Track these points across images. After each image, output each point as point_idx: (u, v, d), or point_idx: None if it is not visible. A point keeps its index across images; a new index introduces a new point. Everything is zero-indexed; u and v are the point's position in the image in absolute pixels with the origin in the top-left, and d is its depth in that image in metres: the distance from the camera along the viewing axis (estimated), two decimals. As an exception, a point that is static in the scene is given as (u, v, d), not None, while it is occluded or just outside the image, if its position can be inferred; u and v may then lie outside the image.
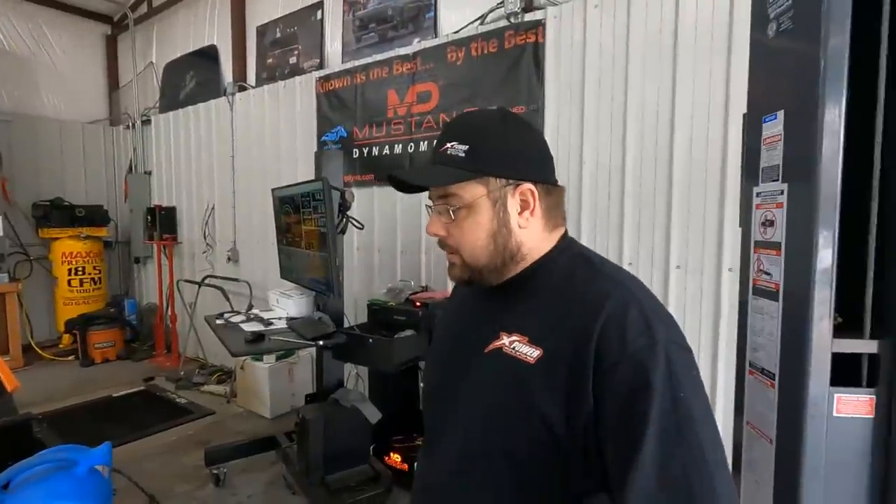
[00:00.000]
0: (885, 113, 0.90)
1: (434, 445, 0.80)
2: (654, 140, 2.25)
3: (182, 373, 4.29)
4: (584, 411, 0.60)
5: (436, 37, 3.06)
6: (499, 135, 0.72)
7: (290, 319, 2.60)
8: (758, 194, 1.05)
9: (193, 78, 4.83)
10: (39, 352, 4.83)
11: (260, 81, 4.22)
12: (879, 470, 0.92)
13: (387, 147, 3.24)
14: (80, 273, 5.04)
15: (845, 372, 0.93)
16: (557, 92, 2.54)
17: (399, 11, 3.27)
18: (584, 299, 0.65)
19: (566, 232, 0.78)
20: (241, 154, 4.27)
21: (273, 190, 2.91)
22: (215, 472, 2.64)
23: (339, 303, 2.54)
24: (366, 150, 3.35)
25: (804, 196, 0.92)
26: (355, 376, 3.36)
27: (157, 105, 5.23)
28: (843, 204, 0.89)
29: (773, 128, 1.00)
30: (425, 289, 2.92)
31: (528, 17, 2.62)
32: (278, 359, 3.61)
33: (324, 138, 3.59)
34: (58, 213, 4.98)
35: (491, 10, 2.79)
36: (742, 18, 1.97)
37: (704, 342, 2.15)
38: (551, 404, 0.62)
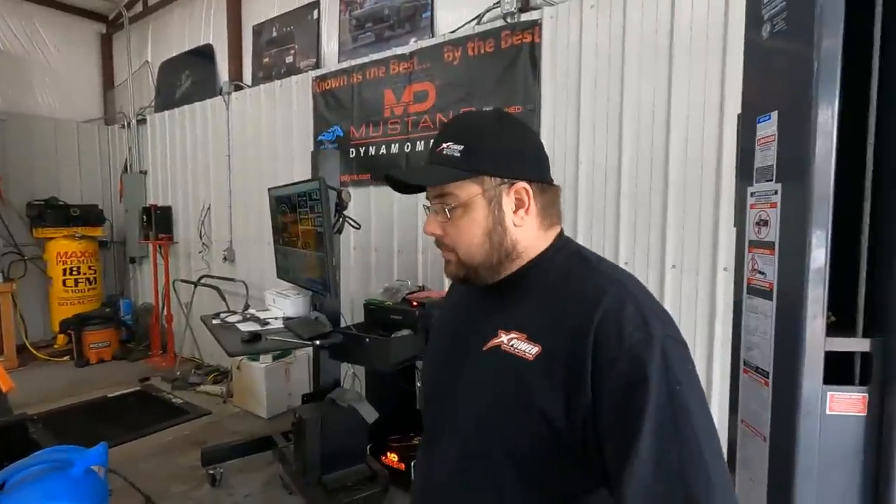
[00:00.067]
0: (877, 114, 0.91)
1: (433, 445, 0.80)
2: (650, 140, 2.26)
3: (178, 373, 4.28)
4: (582, 406, 0.61)
5: (432, 36, 3.06)
6: (494, 135, 0.72)
7: (286, 319, 2.60)
8: (752, 194, 1.06)
9: (189, 77, 4.81)
10: (34, 352, 4.80)
11: (256, 81, 4.21)
12: (872, 467, 0.93)
13: (383, 147, 3.24)
14: (75, 273, 5.02)
15: (838, 370, 0.93)
16: (554, 92, 2.54)
17: (395, 11, 3.27)
18: (581, 296, 0.66)
19: (562, 231, 0.79)
20: (237, 153, 4.26)
21: (269, 189, 2.91)
22: (212, 472, 2.64)
23: (336, 302, 2.54)
24: (362, 150, 3.35)
25: (798, 196, 0.93)
26: (352, 376, 3.36)
27: (153, 104, 5.21)
28: (836, 204, 0.89)
29: (768, 128, 1.01)
30: (422, 288, 2.92)
31: (525, 17, 2.62)
32: (275, 359, 3.61)
33: (320, 138, 3.58)
34: (52, 213, 4.95)
35: (487, 10, 2.79)
36: (737, 19, 1.98)
37: (700, 341, 2.16)
38: (551, 400, 0.63)
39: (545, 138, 2.55)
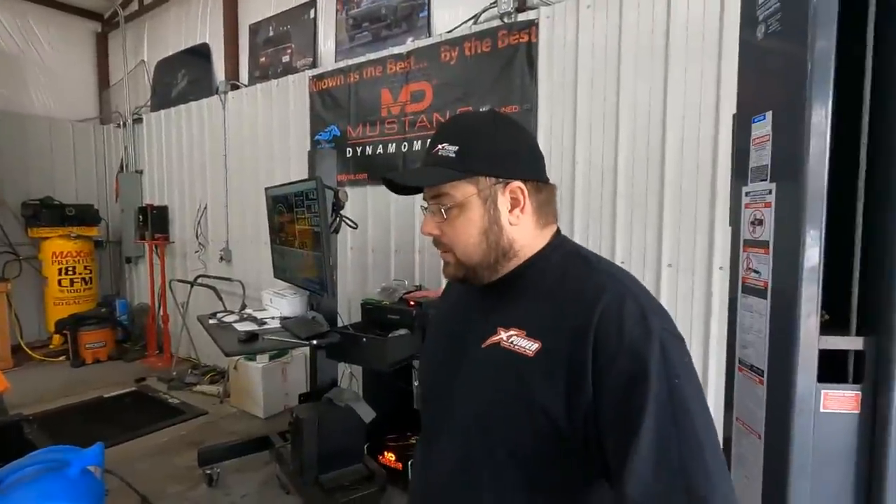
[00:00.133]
0: (870, 113, 0.91)
1: (432, 444, 0.80)
2: (646, 140, 2.27)
3: (174, 373, 4.27)
4: (583, 402, 0.62)
5: (429, 36, 3.07)
6: (488, 135, 0.73)
7: (283, 319, 2.60)
8: (747, 194, 1.07)
9: (185, 76, 4.80)
10: (29, 352, 4.78)
11: (253, 80, 4.20)
12: (865, 464, 0.93)
13: (380, 146, 3.24)
14: (70, 273, 5.00)
15: (832, 368, 0.94)
16: (550, 92, 2.55)
17: (392, 10, 3.27)
18: (580, 294, 0.67)
19: (558, 229, 0.79)
20: (233, 153, 4.25)
21: (266, 189, 2.91)
22: (208, 472, 2.63)
23: (333, 302, 2.54)
24: (359, 150, 3.35)
25: (792, 195, 0.93)
26: (349, 375, 3.36)
27: (149, 103, 5.19)
28: (829, 203, 0.90)
29: (762, 128, 1.02)
30: (419, 288, 2.92)
31: (522, 16, 2.63)
32: (272, 358, 3.60)
33: (317, 137, 3.58)
34: (48, 213, 4.93)
35: (484, 10, 2.80)
36: (732, 20, 1.99)
37: (695, 339, 2.17)
38: (552, 396, 0.63)
39: (542, 138, 2.56)
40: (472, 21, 2.86)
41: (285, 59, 3.95)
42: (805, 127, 0.90)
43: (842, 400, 0.93)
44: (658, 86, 2.23)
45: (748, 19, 1.08)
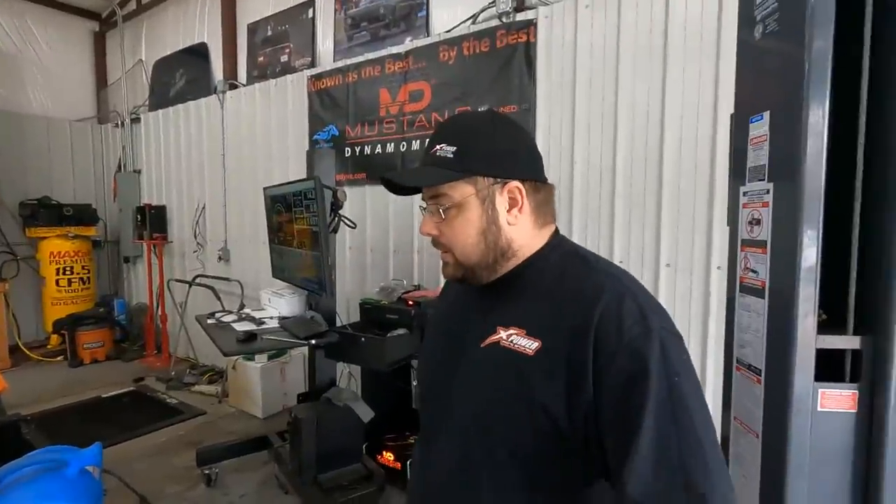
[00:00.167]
0: (867, 113, 0.92)
1: (431, 443, 0.80)
2: (645, 140, 2.27)
3: (173, 373, 4.26)
4: (583, 401, 0.62)
5: (428, 36, 3.07)
6: (486, 135, 0.73)
7: (282, 319, 2.59)
8: (744, 193, 1.07)
9: (183, 76, 4.79)
10: (27, 352, 4.77)
11: (251, 79, 4.19)
12: (861, 462, 0.94)
13: (379, 146, 3.24)
14: (68, 273, 4.99)
15: (829, 368, 0.95)
16: (549, 91, 2.55)
17: (391, 10, 3.27)
18: (580, 294, 0.67)
19: (557, 229, 0.80)
20: (231, 153, 4.24)
21: (265, 189, 2.90)
22: (207, 472, 2.63)
23: (332, 302, 2.54)
24: (358, 149, 3.35)
25: (789, 195, 0.94)
26: (348, 375, 3.36)
27: (147, 103, 5.18)
28: (827, 203, 0.90)
29: (760, 128, 1.02)
30: (418, 287, 2.92)
31: (520, 16, 2.63)
32: (270, 358, 3.60)
33: (316, 137, 3.58)
34: (45, 212, 4.92)
35: (483, 10, 2.80)
36: (730, 20, 2.00)
37: (694, 339, 2.18)
38: (552, 395, 0.64)
39: (540, 138, 2.56)
40: (470, 21, 2.86)
41: (284, 58, 3.94)
42: (802, 127, 0.90)
43: (839, 399, 0.94)
44: (656, 86, 2.23)
45: (746, 19, 1.08)
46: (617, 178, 2.35)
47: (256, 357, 3.53)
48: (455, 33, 2.88)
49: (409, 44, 3.11)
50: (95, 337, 4.75)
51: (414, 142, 3.07)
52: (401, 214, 3.17)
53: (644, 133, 2.27)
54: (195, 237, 4.61)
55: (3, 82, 5.06)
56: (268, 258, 3.08)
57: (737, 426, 1.11)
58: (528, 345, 0.67)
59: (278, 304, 2.68)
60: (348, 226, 2.53)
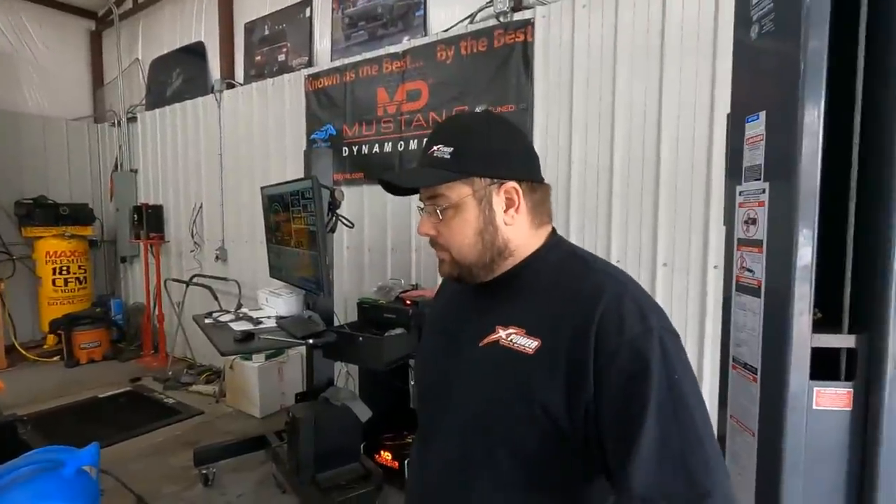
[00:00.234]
0: (862, 112, 0.92)
1: (429, 443, 0.81)
2: (642, 140, 2.28)
3: (170, 373, 4.25)
4: (584, 400, 0.62)
5: (425, 35, 3.07)
6: (483, 136, 0.74)
7: (279, 318, 2.59)
8: (741, 193, 1.07)
9: (180, 75, 4.78)
10: (23, 352, 4.75)
11: (248, 79, 4.19)
12: (856, 460, 0.94)
13: (376, 145, 3.23)
14: (64, 272, 4.97)
15: (824, 366, 0.95)
16: (546, 91, 2.55)
17: (388, 9, 3.26)
18: (579, 293, 0.68)
19: (554, 229, 0.80)
20: (229, 152, 4.23)
21: (262, 188, 2.90)
22: (204, 472, 2.63)
23: (329, 301, 2.54)
24: (355, 149, 3.34)
25: (785, 195, 0.94)
26: (345, 375, 3.36)
27: (143, 102, 5.17)
28: (822, 203, 0.91)
29: (756, 128, 1.03)
30: (415, 287, 2.92)
31: (517, 16, 2.63)
32: (268, 358, 3.59)
33: (313, 136, 3.57)
34: (41, 212, 4.90)
35: (480, 9, 2.80)
36: (727, 20, 2.01)
37: (691, 338, 2.18)
38: (553, 394, 0.64)
39: (538, 138, 2.57)
40: (468, 20, 2.86)
41: (281, 57, 3.94)
42: (798, 126, 0.91)
43: (834, 397, 0.94)
44: (653, 85, 2.24)
45: (742, 19, 1.08)
46: (614, 177, 2.36)
47: (254, 357, 3.53)
48: (453, 33, 2.88)
49: (406, 43, 3.11)
50: (92, 337, 4.74)
51: (412, 141, 3.07)
52: (399, 214, 3.17)
53: (641, 133, 2.28)
54: (192, 237, 4.60)
55: (-1, 81, 5.05)
56: (265, 258, 3.07)
57: (733, 424, 1.11)
58: (528, 344, 0.68)
59: (276, 303, 2.67)
60: (346, 225, 2.53)
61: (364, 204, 3.34)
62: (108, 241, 5.63)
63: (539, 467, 0.68)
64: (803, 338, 0.93)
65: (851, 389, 0.94)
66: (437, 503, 0.78)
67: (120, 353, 4.90)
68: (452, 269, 0.77)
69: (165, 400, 3.82)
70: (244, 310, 2.77)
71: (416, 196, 0.80)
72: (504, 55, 2.65)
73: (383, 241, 3.27)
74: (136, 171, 5.27)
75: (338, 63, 3.44)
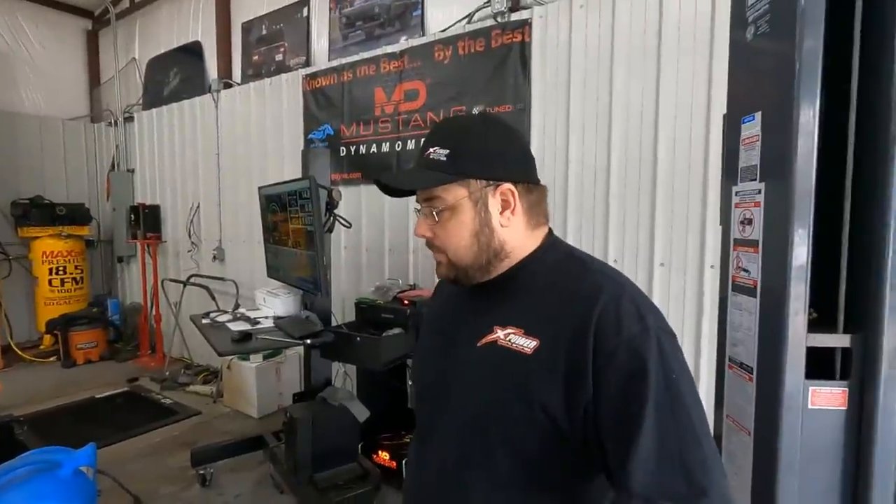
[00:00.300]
0: (857, 112, 0.93)
1: (427, 443, 0.81)
2: (639, 140, 2.28)
3: (167, 373, 4.24)
4: (583, 400, 0.63)
5: (423, 35, 3.06)
6: (479, 138, 0.74)
7: (277, 318, 2.59)
8: (737, 193, 1.08)
9: (177, 74, 4.77)
10: (19, 353, 4.73)
11: (245, 78, 4.18)
12: (851, 459, 0.95)
13: (374, 145, 3.23)
14: (61, 273, 4.95)
15: (819, 365, 0.96)
16: (543, 91, 2.56)
17: (386, 9, 3.26)
18: (577, 294, 0.68)
19: (550, 230, 0.80)
20: (226, 152, 4.23)
21: (260, 188, 2.89)
22: (202, 472, 2.62)
23: (327, 301, 2.54)
24: (353, 149, 3.34)
25: (780, 195, 0.95)
26: (343, 375, 3.35)
27: (140, 102, 5.15)
28: (817, 202, 0.91)
29: (752, 129, 1.03)
30: (413, 287, 2.92)
31: (515, 16, 2.63)
32: (265, 358, 3.59)
33: (310, 136, 3.57)
34: (38, 212, 4.88)
35: (478, 10, 2.80)
36: (723, 20, 2.01)
37: (687, 338, 2.19)
38: (551, 394, 0.64)
39: (535, 138, 2.57)
40: (465, 20, 2.86)
41: (278, 57, 3.93)
42: (793, 127, 0.91)
43: (829, 396, 0.95)
44: (650, 86, 2.24)
45: (738, 21, 1.09)
46: (611, 178, 2.36)
47: (251, 357, 3.52)
48: (450, 33, 2.88)
49: (404, 43, 3.11)
50: (89, 337, 4.72)
51: (409, 141, 3.07)
52: (396, 214, 3.17)
53: (638, 133, 2.29)
54: (189, 237, 4.59)
55: (-5, 81, 5.02)
56: (263, 258, 3.07)
57: (729, 424, 1.12)
58: (527, 344, 0.68)
59: (273, 303, 2.67)
60: (343, 225, 2.52)
61: (362, 204, 3.34)
62: (104, 241, 5.61)
63: (539, 467, 0.68)
64: (799, 337, 0.93)
65: (846, 389, 0.95)
66: (435, 503, 0.78)
67: (117, 354, 4.88)
68: (449, 272, 0.77)
69: (163, 400, 3.81)
70: (242, 310, 2.76)
71: (414, 196, 0.80)
72: (501, 55, 2.65)
73: (381, 242, 3.27)
74: (132, 171, 5.25)
75: (335, 63, 3.43)
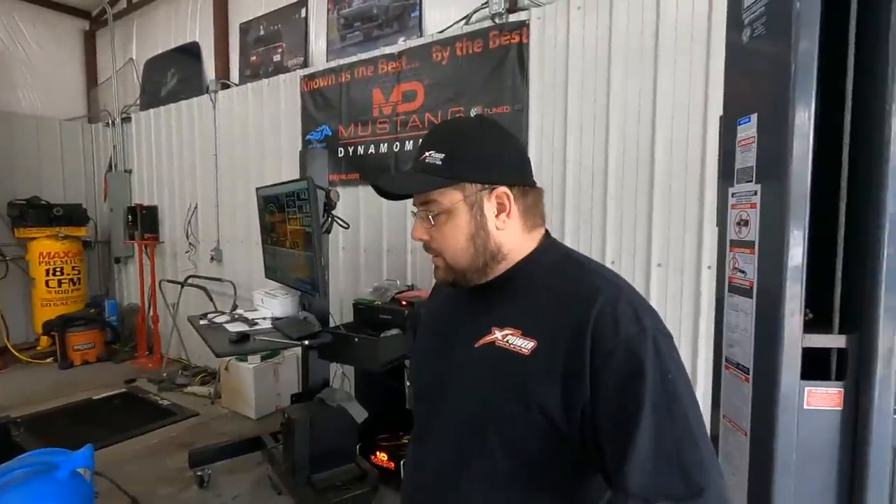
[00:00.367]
0: (852, 112, 0.93)
1: (424, 444, 0.81)
2: (636, 141, 2.29)
3: (165, 374, 4.23)
4: (581, 400, 0.63)
5: (421, 36, 3.07)
6: (475, 141, 0.74)
7: (275, 319, 2.59)
8: (733, 195, 1.08)
9: (175, 75, 4.76)
10: (16, 354, 4.71)
11: (243, 79, 4.17)
12: (847, 459, 0.95)
13: (372, 146, 3.23)
14: (58, 273, 4.94)
15: (815, 366, 0.96)
16: (541, 92, 2.56)
17: (384, 10, 3.27)
18: (575, 296, 0.68)
19: (547, 232, 0.81)
20: (224, 152, 4.22)
21: (257, 189, 2.89)
22: (199, 473, 2.62)
23: (325, 302, 2.54)
24: (351, 149, 3.34)
25: (776, 196, 0.95)
26: (341, 376, 3.35)
27: (138, 102, 5.14)
28: (813, 203, 0.92)
29: (748, 130, 1.04)
30: (411, 288, 2.92)
31: (513, 17, 2.64)
32: (263, 359, 3.59)
33: (308, 137, 3.57)
34: (35, 213, 4.86)
35: (475, 11, 2.80)
36: (720, 21, 2.01)
37: (685, 338, 2.20)
38: (549, 395, 0.65)
39: (533, 139, 2.58)
40: (463, 21, 2.86)
41: (276, 58, 3.93)
42: (789, 128, 0.91)
43: (825, 397, 0.95)
44: (647, 87, 2.25)
45: (734, 23, 1.09)
46: (609, 178, 2.37)
47: (249, 358, 3.52)
48: (448, 34, 2.89)
49: (402, 44, 3.11)
50: (86, 338, 4.71)
51: (407, 142, 3.07)
52: (394, 215, 3.17)
53: (635, 134, 2.29)
54: (187, 237, 4.59)
55: (-8, 81, 5.01)
56: (260, 259, 3.07)
57: (726, 424, 1.12)
58: (524, 345, 0.68)
59: (271, 304, 2.67)
60: (341, 226, 2.53)
61: (360, 205, 3.34)
62: (102, 242, 5.60)
63: (537, 467, 0.68)
64: (794, 338, 0.94)
65: (842, 389, 0.95)
66: (433, 503, 0.78)
67: (114, 355, 4.87)
68: (447, 275, 0.78)
69: (160, 401, 3.80)
70: (239, 311, 2.76)
71: (411, 199, 0.80)
72: (499, 56, 2.66)
73: (379, 242, 3.27)
74: (130, 172, 5.24)
75: (333, 64, 3.43)
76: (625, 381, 0.61)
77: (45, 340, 4.83)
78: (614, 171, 2.36)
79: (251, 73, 4.12)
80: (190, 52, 4.60)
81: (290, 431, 2.38)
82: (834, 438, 0.96)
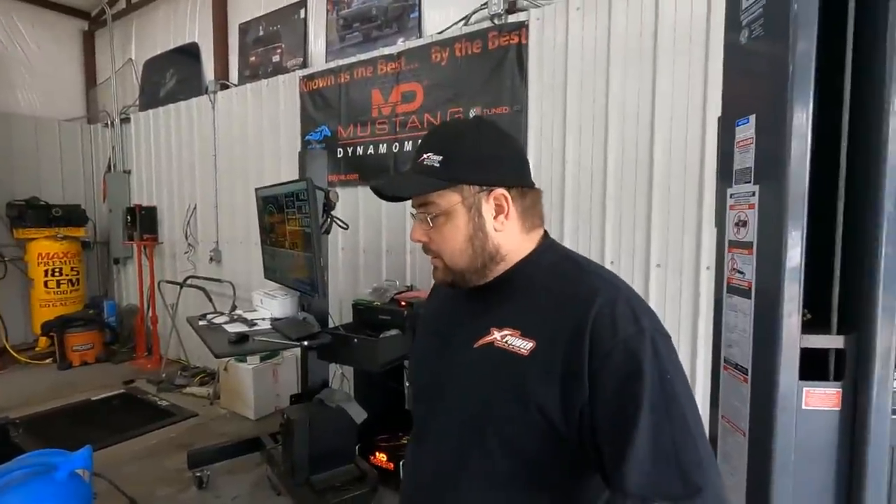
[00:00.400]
0: (850, 112, 0.93)
1: (423, 444, 0.81)
2: (635, 142, 2.29)
3: (164, 375, 4.23)
4: (579, 401, 0.63)
5: (420, 37, 3.07)
6: (472, 143, 0.75)
7: (274, 320, 2.59)
8: (731, 195, 1.08)
9: (174, 75, 4.76)
10: (15, 355, 4.71)
11: (242, 80, 4.18)
12: (845, 459, 0.95)
13: (371, 147, 3.24)
14: (57, 274, 4.93)
15: (813, 366, 0.96)
16: (540, 93, 2.56)
17: (383, 11, 3.27)
18: (574, 296, 0.68)
19: (546, 233, 0.81)
20: (223, 153, 4.22)
21: (256, 190, 2.89)
22: (198, 474, 2.62)
23: (324, 303, 2.54)
24: (350, 150, 3.34)
25: (774, 197, 0.95)
26: (340, 376, 3.35)
27: (137, 103, 5.14)
28: (811, 204, 0.92)
29: (746, 131, 1.04)
30: (410, 288, 2.92)
31: (512, 18, 2.64)
32: (262, 360, 3.58)
33: (308, 137, 3.57)
34: (33, 213, 4.86)
35: (475, 11, 2.81)
36: (718, 22, 2.01)
37: (683, 339, 2.20)
38: (548, 395, 0.65)
39: (532, 140, 2.58)
40: (462, 22, 2.87)
41: (275, 58, 3.93)
42: (787, 129, 0.92)
43: (823, 397, 0.95)
44: (646, 87, 2.25)
45: (732, 24, 1.10)
46: (608, 179, 2.37)
47: (248, 359, 3.52)
48: (447, 35, 2.89)
49: (401, 45, 3.11)
50: (85, 339, 4.70)
51: (406, 143, 3.08)
52: (393, 215, 3.17)
53: (634, 135, 2.29)
54: (186, 238, 4.58)
55: (-9, 82, 5.01)
56: (260, 259, 3.07)
57: (724, 425, 1.12)
58: (523, 345, 0.68)
59: (270, 305, 2.67)
60: (340, 227, 2.53)
61: (359, 205, 3.34)
62: (101, 243, 5.59)
63: (536, 467, 0.68)
64: (793, 338, 0.94)
65: (840, 389, 0.95)
66: (431, 503, 0.78)
67: (113, 356, 4.86)
68: (446, 276, 0.78)
69: (159, 402, 3.79)
70: (238, 311, 2.76)
71: (410, 200, 0.80)
72: (498, 57, 2.66)
73: (378, 243, 3.27)
74: (129, 172, 5.24)
75: (332, 64, 3.44)
76: (623, 382, 0.61)
77: (43, 341, 4.83)
78: (613, 172, 2.36)
79: (250, 73, 4.12)
80: (189, 53, 4.60)
81: (289, 432, 2.38)
82: (832, 439, 0.96)
